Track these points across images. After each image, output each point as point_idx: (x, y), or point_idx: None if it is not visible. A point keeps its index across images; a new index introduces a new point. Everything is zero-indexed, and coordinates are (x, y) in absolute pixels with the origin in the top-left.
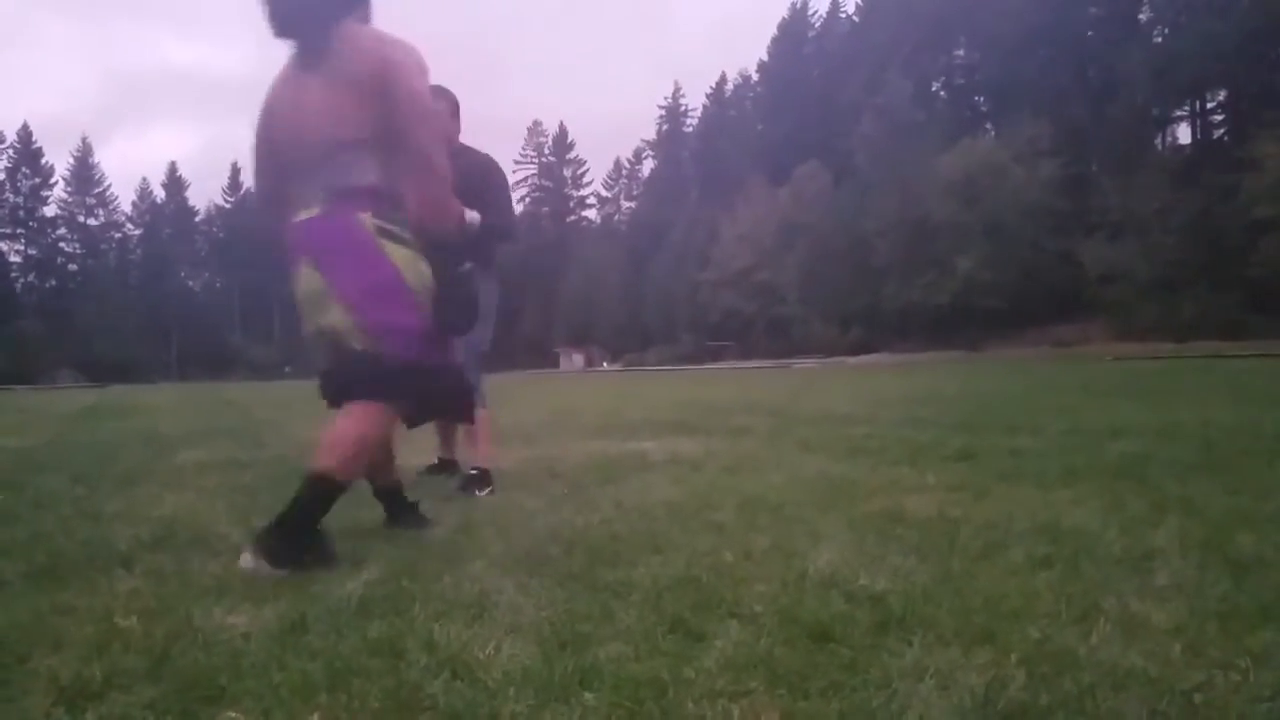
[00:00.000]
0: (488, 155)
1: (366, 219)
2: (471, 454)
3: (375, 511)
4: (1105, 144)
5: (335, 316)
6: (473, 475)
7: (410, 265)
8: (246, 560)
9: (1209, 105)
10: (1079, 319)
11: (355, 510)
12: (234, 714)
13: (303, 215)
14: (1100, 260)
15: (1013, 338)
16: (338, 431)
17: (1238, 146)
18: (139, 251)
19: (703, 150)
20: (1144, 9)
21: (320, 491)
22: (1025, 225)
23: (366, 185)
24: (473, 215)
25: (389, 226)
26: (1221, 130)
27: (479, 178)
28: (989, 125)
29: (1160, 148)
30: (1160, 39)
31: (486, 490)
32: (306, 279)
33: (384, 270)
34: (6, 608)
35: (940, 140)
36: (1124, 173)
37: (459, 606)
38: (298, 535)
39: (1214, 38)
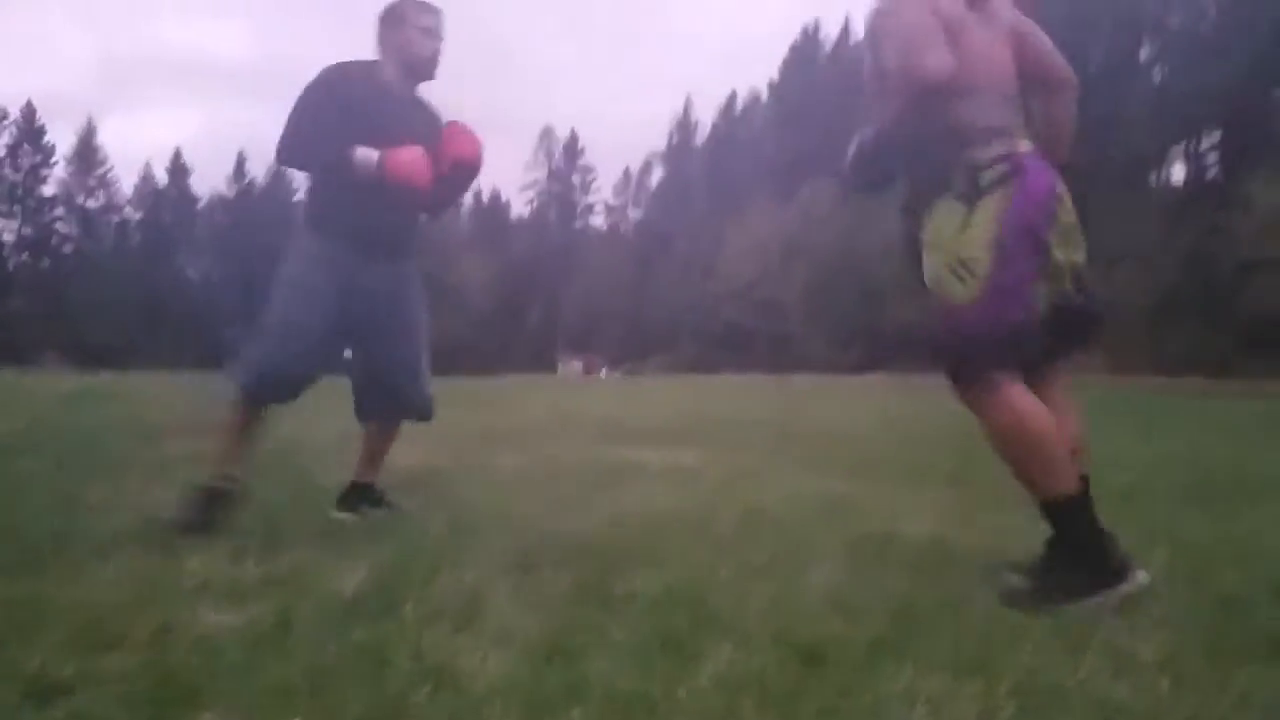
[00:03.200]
0: None
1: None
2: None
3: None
4: (1103, 178)
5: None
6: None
7: None
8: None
9: (1203, 146)
10: None
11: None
12: (209, 715)
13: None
14: (1096, 291)
15: None
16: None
17: (1230, 186)
18: (137, 236)
19: (711, 164)
20: (1144, 49)
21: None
22: None
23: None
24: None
25: None
26: (1214, 169)
27: None
28: None
29: (1155, 184)
30: (1159, 79)
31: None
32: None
33: None
34: None
35: None
36: (1120, 207)
37: (448, 612)
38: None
39: (1210, 80)
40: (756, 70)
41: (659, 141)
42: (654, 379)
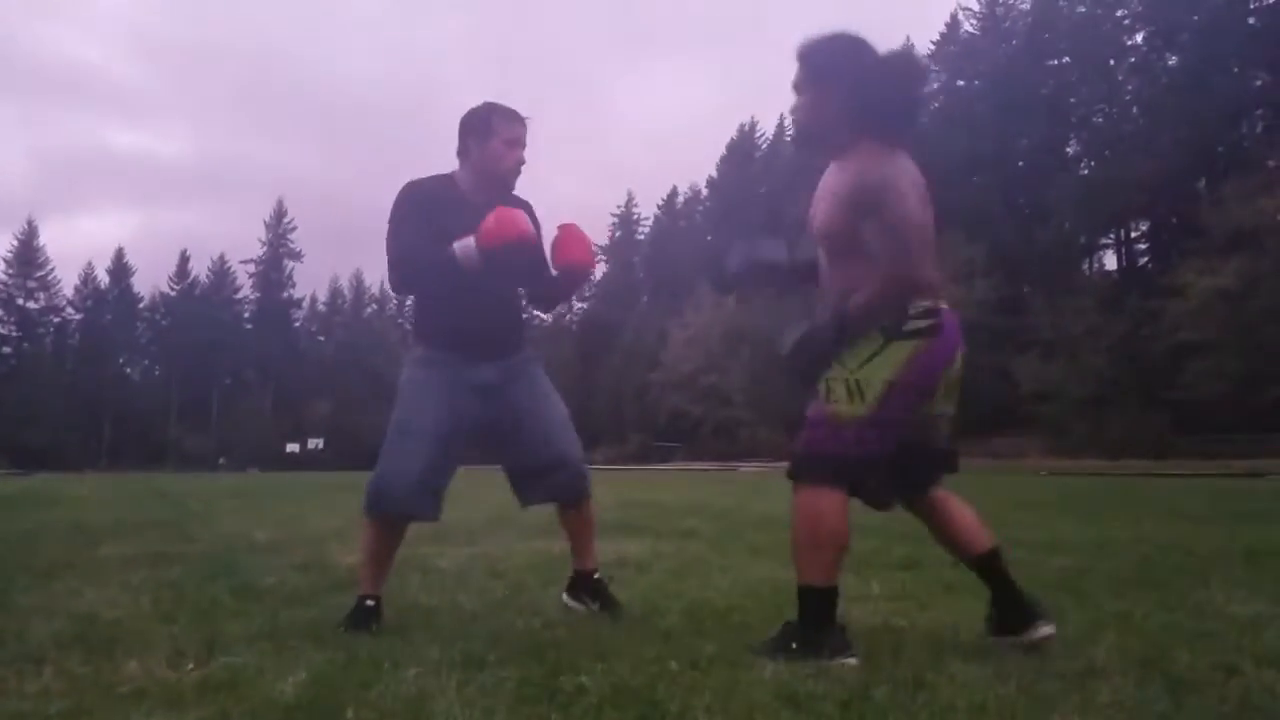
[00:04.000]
0: None
1: None
2: None
3: (308, 610)
4: (1036, 267)
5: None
6: None
7: None
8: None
9: (1133, 235)
10: (1014, 433)
11: (287, 607)
12: None
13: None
14: (1033, 377)
15: None
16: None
17: (1160, 274)
18: (77, 336)
19: (654, 256)
20: (1071, 142)
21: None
22: None
23: None
24: None
25: None
26: (1145, 258)
27: None
28: None
29: (1088, 272)
30: (1087, 171)
31: None
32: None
33: None
34: None
35: None
36: (1054, 295)
37: (392, 715)
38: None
39: (1137, 172)
40: (695, 166)
41: (601, 235)
42: (602, 469)
